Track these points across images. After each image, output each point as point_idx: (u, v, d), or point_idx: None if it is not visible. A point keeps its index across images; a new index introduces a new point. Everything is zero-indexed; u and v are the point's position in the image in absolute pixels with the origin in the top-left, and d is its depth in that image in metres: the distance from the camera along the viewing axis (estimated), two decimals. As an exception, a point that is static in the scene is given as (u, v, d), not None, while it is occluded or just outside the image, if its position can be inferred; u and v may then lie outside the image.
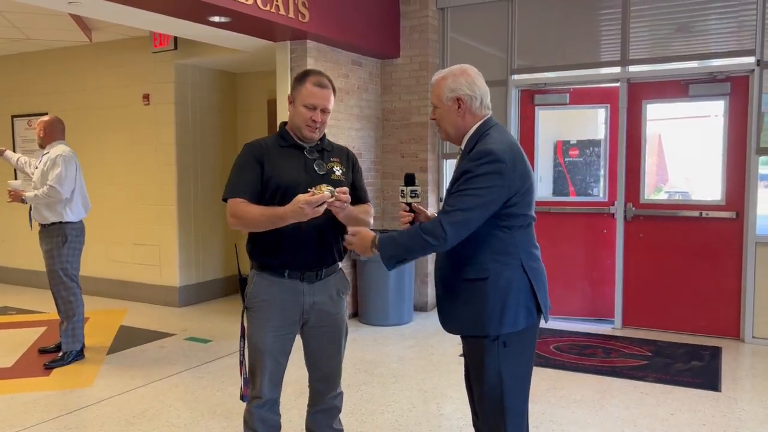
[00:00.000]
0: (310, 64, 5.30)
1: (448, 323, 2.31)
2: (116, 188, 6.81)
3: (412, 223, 2.38)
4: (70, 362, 4.62)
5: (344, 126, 5.75)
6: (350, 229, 2.42)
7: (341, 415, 2.74)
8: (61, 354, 4.65)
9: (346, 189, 2.36)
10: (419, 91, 6.14)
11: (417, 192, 2.41)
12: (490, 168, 2.09)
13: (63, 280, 4.60)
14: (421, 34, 6.10)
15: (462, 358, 2.45)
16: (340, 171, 2.54)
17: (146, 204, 6.62)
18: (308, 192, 2.27)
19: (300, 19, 4.89)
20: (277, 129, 2.60)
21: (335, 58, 5.65)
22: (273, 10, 4.62)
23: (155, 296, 6.59)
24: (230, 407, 3.79)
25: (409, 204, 2.40)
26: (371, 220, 2.63)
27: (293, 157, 2.50)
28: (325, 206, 2.27)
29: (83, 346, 4.76)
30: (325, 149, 2.59)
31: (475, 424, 2.45)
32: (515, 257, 2.18)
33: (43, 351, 4.84)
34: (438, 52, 6.22)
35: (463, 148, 2.27)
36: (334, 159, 2.57)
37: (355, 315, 5.97)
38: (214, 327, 5.68)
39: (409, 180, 2.41)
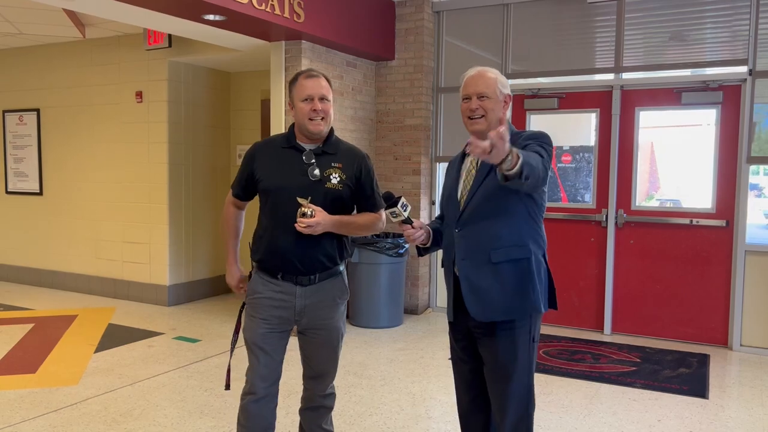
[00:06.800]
0: (305, 65, 5.29)
1: (491, 310, 2.28)
2: (107, 185, 6.77)
3: (424, 248, 2.47)
4: None
5: (338, 127, 5.72)
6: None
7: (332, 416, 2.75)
8: None
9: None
10: (413, 94, 6.14)
11: (405, 204, 2.32)
12: (551, 148, 2.31)
13: None
14: (416, 36, 6.10)
15: (449, 362, 2.46)
16: (338, 179, 2.44)
17: (137, 202, 6.59)
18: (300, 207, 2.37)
19: (295, 19, 4.88)
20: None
21: (330, 59, 5.64)
22: (268, 9, 4.61)
23: (144, 295, 6.55)
24: (218, 407, 3.77)
25: (407, 220, 2.33)
26: (377, 227, 2.59)
27: (289, 160, 2.47)
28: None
29: None
30: (328, 152, 2.49)
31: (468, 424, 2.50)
32: (542, 246, 2.35)
33: None
34: (433, 56, 6.23)
35: None
36: (336, 164, 2.47)
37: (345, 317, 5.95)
38: (203, 327, 5.66)
39: (390, 197, 2.31)
